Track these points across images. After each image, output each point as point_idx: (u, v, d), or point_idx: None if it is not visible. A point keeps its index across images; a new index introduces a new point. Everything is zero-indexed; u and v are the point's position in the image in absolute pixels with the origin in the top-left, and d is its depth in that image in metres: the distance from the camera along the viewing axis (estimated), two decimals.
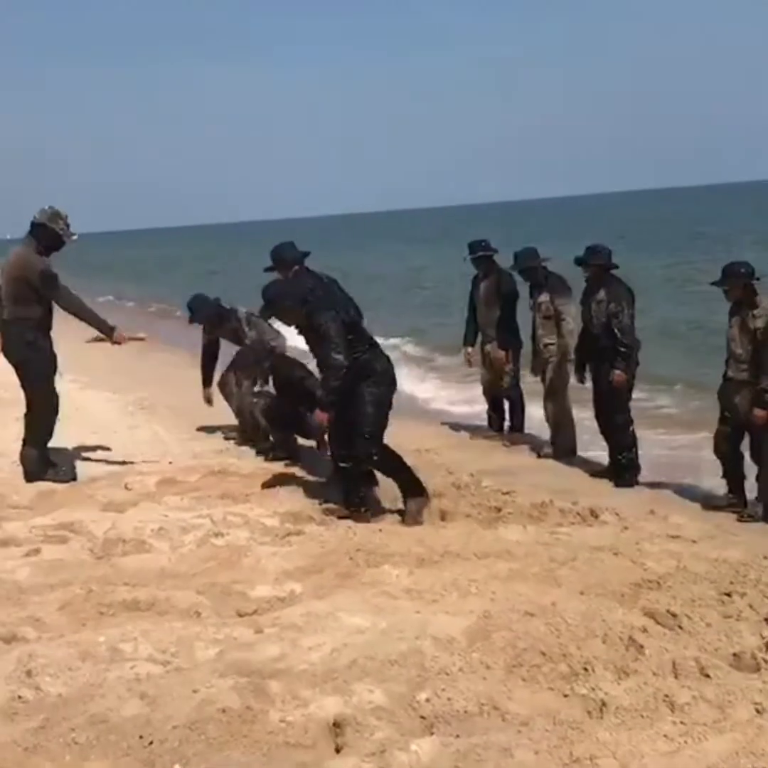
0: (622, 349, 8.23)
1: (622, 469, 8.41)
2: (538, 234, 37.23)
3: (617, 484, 8.31)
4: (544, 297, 9.22)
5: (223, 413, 9.68)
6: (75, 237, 7.82)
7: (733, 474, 7.51)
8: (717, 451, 7.57)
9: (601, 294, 8.39)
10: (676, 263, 30.68)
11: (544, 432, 9.62)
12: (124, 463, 8.29)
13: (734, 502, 7.48)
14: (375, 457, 6.69)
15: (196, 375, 9.79)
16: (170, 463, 8.27)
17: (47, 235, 7.66)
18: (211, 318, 9.34)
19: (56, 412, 7.87)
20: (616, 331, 8.23)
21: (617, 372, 8.25)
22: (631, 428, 8.44)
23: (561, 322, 9.10)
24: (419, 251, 50.16)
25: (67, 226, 7.73)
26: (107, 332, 7.92)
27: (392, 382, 6.82)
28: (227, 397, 9.33)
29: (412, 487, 6.78)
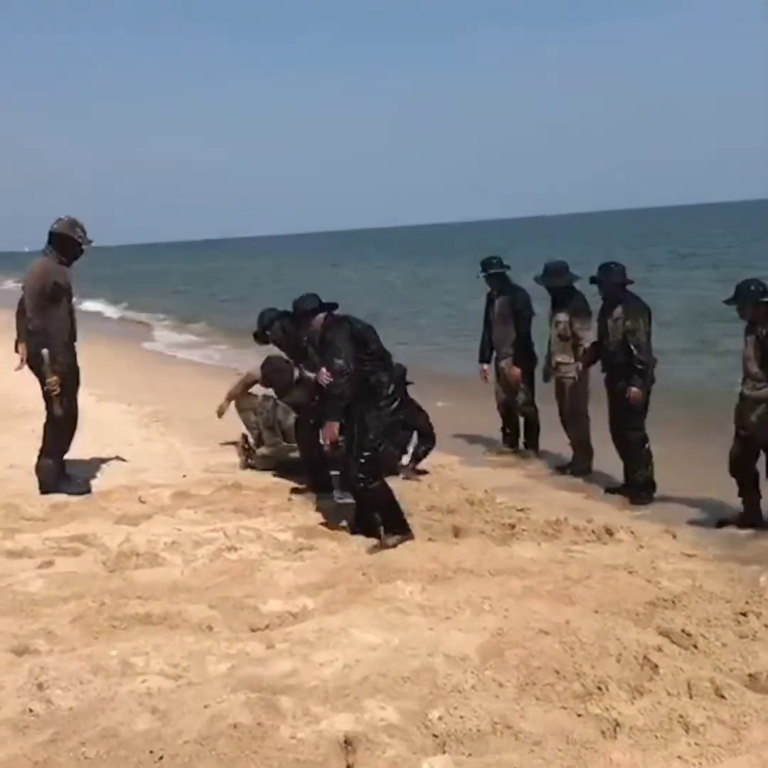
0: (639, 366, 8.20)
1: (638, 487, 8.35)
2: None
3: (633, 502, 8.24)
4: (562, 316, 9.15)
5: (238, 427, 9.67)
6: (92, 243, 7.87)
7: (749, 493, 7.46)
8: (732, 469, 7.51)
9: (618, 311, 8.34)
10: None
11: (559, 449, 9.57)
12: (138, 475, 8.29)
13: (750, 521, 7.42)
14: (361, 484, 6.42)
15: (211, 388, 9.80)
16: (184, 476, 8.28)
17: (66, 244, 7.71)
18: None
19: (75, 425, 7.88)
20: (632, 347, 8.19)
21: (634, 389, 8.20)
22: (646, 445, 8.38)
23: (579, 348, 9.04)
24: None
25: (84, 232, 7.79)
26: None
27: (401, 405, 6.76)
28: (246, 410, 9.22)
29: (397, 525, 6.47)
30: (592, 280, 8.59)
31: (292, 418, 8.62)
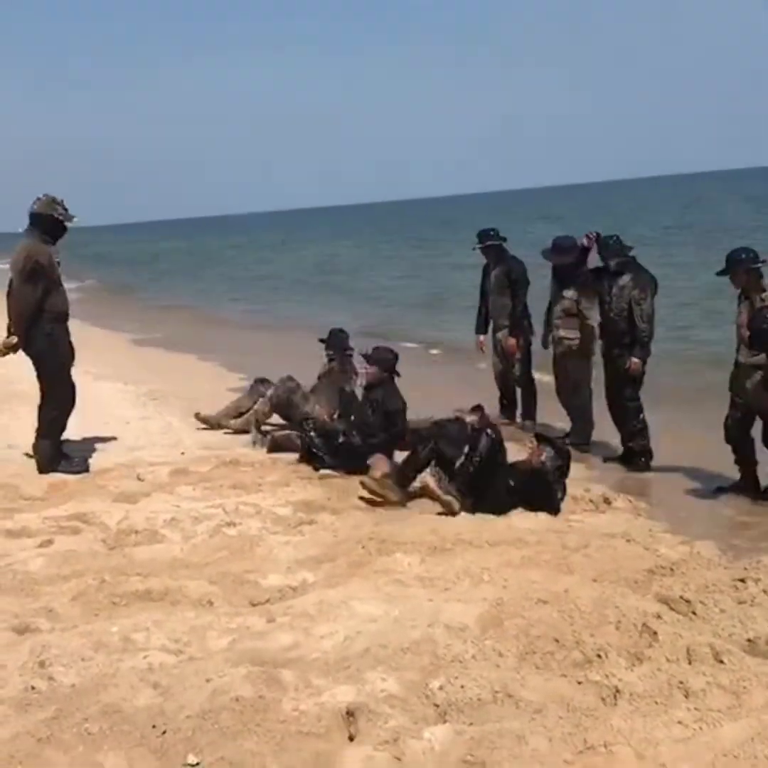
0: (642, 336, 8.21)
1: (635, 455, 8.38)
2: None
3: (631, 470, 8.28)
4: (570, 293, 9.06)
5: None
6: (76, 219, 7.82)
7: (745, 459, 7.47)
8: (728, 436, 7.52)
9: (625, 279, 8.33)
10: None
11: (556, 419, 9.58)
12: (136, 453, 8.29)
13: (747, 488, 7.44)
14: None
15: (208, 366, 9.79)
16: (182, 453, 8.27)
17: (48, 222, 7.66)
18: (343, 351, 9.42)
19: (73, 404, 7.88)
20: (637, 317, 8.20)
21: (634, 359, 8.21)
22: (641, 415, 8.40)
23: (585, 326, 9.01)
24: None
25: (65, 209, 7.73)
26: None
27: None
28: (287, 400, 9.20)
29: None
30: (598, 246, 8.59)
31: (309, 406, 8.66)
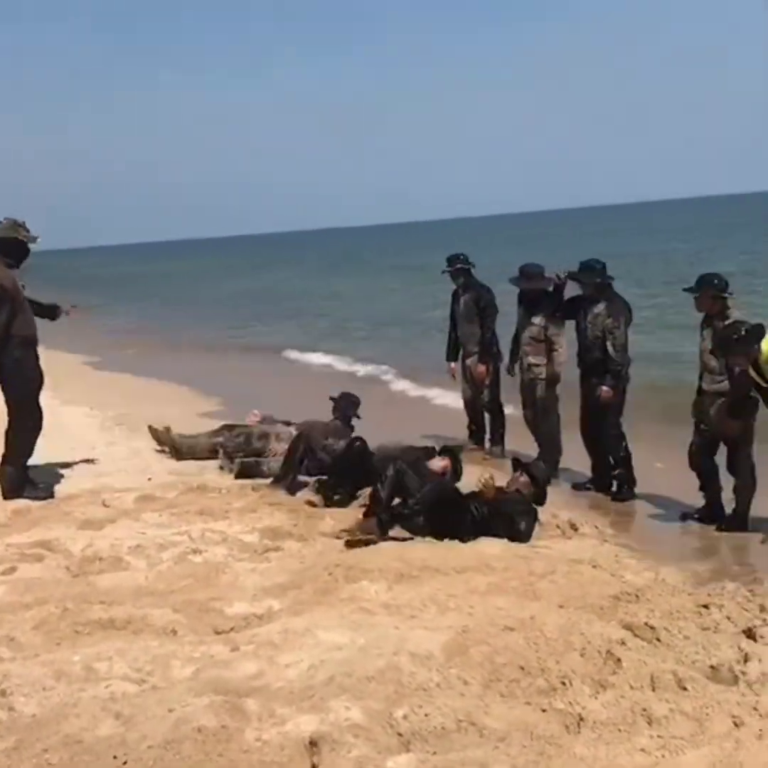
0: (615, 367, 8.22)
1: (619, 484, 8.40)
2: None
3: (614, 499, 8.30)
4: (538, 319, 9.10)
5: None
6: (39, 239, 7.80)
7: (710, 485, 7.52)
8: (692, 464, 7.58)
9: (600, 307, 8.34)
10: None
11: (524, 446, 9.62)
12: (102, 479, 8.22)
13: (712, 514, 7.48)
14: None
15: (175, 390, 9.77)
16: (149, 479, 8.23)
17: (11, 246, 7.62)
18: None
19: (39, 430, 7.80)
20: (609, 347, 8.20)
21: (605, 388, 8.23)
22: (624, 443, 8.41)
23: (553, 352, 9.05)
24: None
25: (27, 231, 7.71)
26: None
27: None
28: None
29: None
30: (572, 277, 8.59)
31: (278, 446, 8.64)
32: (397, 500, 6.62)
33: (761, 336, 6.68)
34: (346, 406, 9.10)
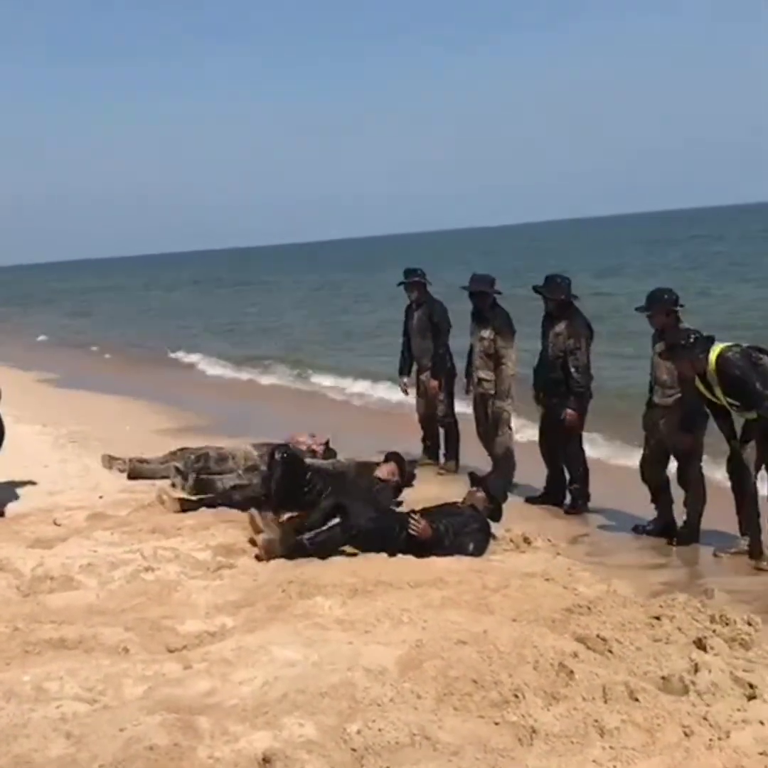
0: (577, 388, 8.21)
1: (573, 498, 8.45)
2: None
3: (568, 512, 8.34)
4: (487, 333, 9.12)
5: (156, 447, 9.59)
6: None
7: (661, 499, 7.60)
8: (644, 477, 7.65)
9: (561, 326, 8.27)
10: None
11: (478, 460, 9.66)
12: (53, 497, 8.14)
13: (663, 526, 7.56)
14: None
15: (128, 407, 9.70)
16: (101, 497, 8.14)
17: None
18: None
19: None
20: (571, 368, 8.15)
21: (569, 411, 8.22)
22: (582, 458, 8.45)
23: (501, 366, 9.05)
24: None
25: None
26: None
27: None
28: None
29: None
30: (536, 290, 8.54)
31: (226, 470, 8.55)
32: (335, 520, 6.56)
33: (708, 347, 6.77)
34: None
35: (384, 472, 7.75)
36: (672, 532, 7.47)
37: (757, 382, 6.61)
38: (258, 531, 6.50)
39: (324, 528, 6.38)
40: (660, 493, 7.59)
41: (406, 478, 8.12)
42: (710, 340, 6.85)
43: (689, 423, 7.19)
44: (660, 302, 7.43)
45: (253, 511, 6.69)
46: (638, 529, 7.64)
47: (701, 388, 6.89)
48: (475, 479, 7.18)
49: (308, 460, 8.27)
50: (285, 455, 7.61)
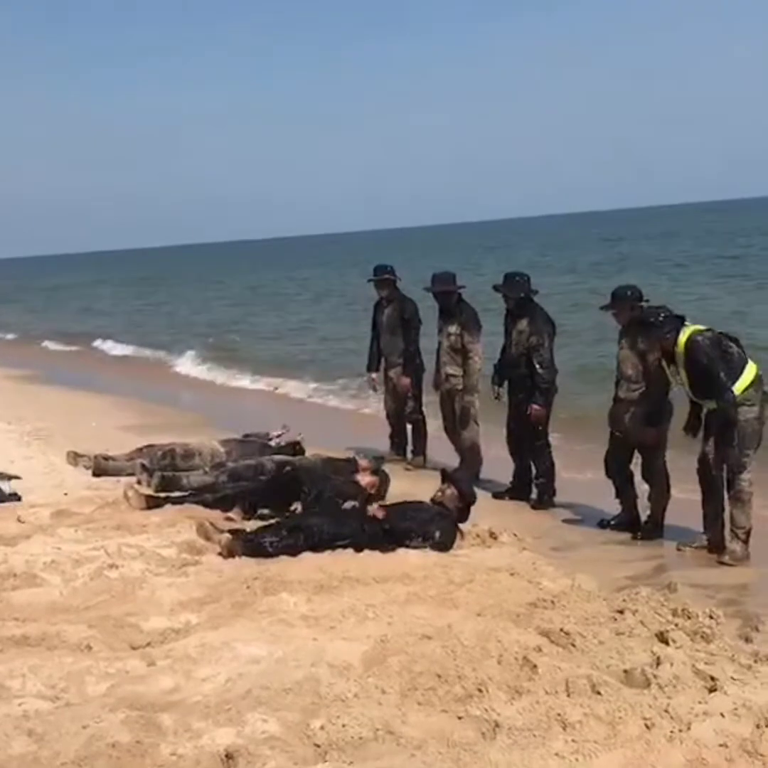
0: (542, 384, 8.27)
1: (540, 493, 8.49)
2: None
3: (534, 507, 8.39)
4: (454, 328, 9.19)
5: (122, 443, 9.53)
6: None
7: (625, 494, 7.65)
8: (608, 471, 7.70)
9: (523, 323, 8.35)
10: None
11: (446, 456, 9.68)
12: (17, 494, 8.05)
13: (627, 521, 7.61)
14: None
15: (94, 404, 9.64)
16: (65, 494, 8.07)
17: None
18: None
19: None
20: (536, 364, 8.23)
21: (536, 407, 8.28)
22: (548, 452, 8.50)
23: (468, 361, 9.12)
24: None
25: None
26: None
27: None
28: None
29: None
30: (496, 288, 8.60)
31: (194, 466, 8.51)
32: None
33: (678, 326, 6.80)
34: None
35: (366, 480, 7.70)
36: (636, 527, 7.52)
37: (722, 372, 6.63)
38: (208, 540, 6.49)
39: (286, 534, 6.36)
40: (624, 488, 7.65)
41: (382, 497, 8.09)
42: (681, 320, 6.91)
43: (653, 417, 7.25)
44: (623, 299, 7.49)
45: (207, 523, 6.66)
46: (603, 524, 7.69)
47: (666, 368, 6.94)
48: (446, 476, 7.16)
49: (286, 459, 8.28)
50: (290, 469, 7.78)
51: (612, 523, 7.67)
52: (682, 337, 6.74)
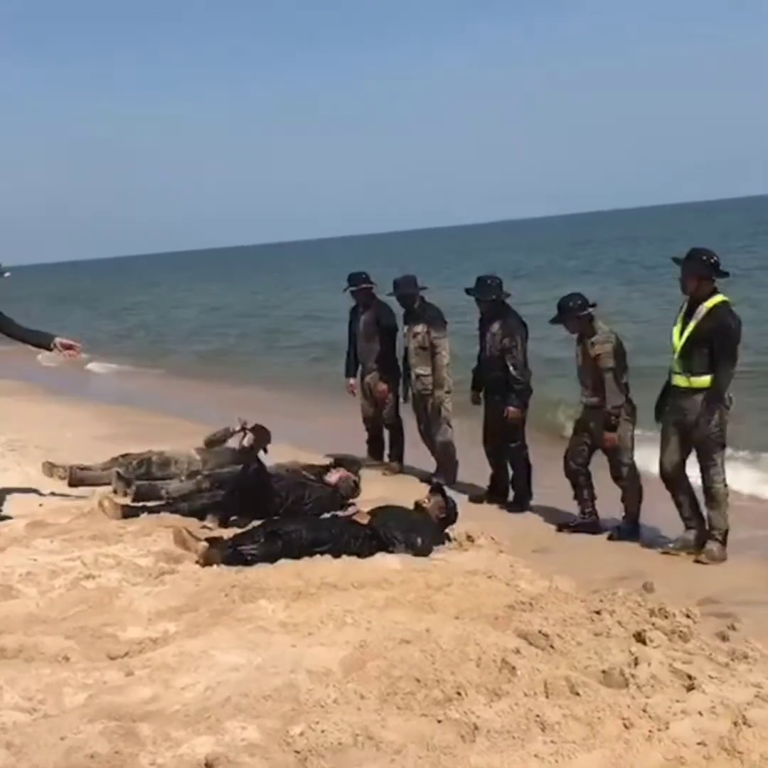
0: (516, 385, 8.33)
1: (517, 496, 8.53)
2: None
3: (511, 510, 8.43)
4: (420, 328, 9.30)
5: (97, 453, 9.48)
6: (7, 274, 7.61)
7: (580, 494, 7.72)
8: (567, 471, 7.77)
9: (496, 326, 8.42)
10: None
11: (423, 461, 9.70)
12: None
13: (587, 524, 7.67)
14: None
15: (70, 415, 9.59)
16: (40, 505, 8.01)
17: None
18: None
19: None
20: (509, 366, 8.30)
21: (511, 408, 8.34)
22: (524, 454, 8.54)
23: (436, 356, 9.19)
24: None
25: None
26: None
27: None
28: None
29: None
30: (468, 292, 8.66)
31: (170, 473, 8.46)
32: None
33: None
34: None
35: (333, 477, 7.72)
36: (596, 527, 7.59)
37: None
38: (186, 549, 6.47)
39: (263, 541, 6.35)
40: (578, 488, 7.71)
41: (356, 487, 8.08)
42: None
43: (612, 421, 7.32)
44: (569, 311, 7.55)
45: (184, 531, 6.63)
46: (561, 528, 7.75)
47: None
48: (438, 490, 7.15)
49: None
50: (255, 466, 7.62)
51: (572, 524, 7.75)
52: (714, 300, 6.67)
